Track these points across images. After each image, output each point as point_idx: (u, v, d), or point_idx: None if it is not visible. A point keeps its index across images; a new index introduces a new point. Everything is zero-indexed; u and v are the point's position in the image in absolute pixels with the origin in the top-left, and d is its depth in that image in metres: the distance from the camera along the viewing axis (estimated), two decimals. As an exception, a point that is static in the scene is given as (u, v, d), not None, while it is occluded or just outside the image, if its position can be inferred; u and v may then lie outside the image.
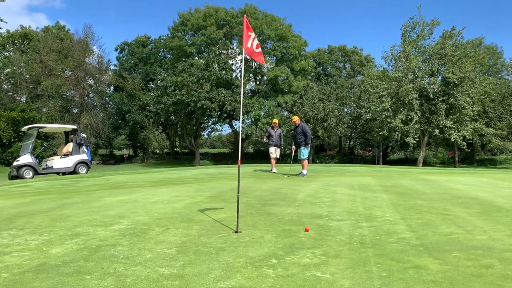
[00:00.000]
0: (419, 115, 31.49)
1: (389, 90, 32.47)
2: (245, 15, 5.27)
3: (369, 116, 34.26)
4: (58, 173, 17.54)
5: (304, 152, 11.54)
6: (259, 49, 5.32)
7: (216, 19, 44.03)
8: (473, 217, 5.14)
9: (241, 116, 5.22)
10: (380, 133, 33.30)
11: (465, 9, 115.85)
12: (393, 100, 32.50)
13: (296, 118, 12.04)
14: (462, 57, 30.67)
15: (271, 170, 13.19)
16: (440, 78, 32.49)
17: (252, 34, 5.17)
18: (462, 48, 31.02)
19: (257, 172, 13.72)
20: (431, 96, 30.93)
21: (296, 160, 12.64)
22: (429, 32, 31.98)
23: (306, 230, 3.72)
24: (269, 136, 12.92)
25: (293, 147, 12.16)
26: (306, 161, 11.72)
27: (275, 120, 13.49)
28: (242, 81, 5.58)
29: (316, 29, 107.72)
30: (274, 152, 12.92)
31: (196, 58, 45.81)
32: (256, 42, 5.28)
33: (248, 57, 5.23)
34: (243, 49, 5.05)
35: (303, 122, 12.18)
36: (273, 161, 13.13)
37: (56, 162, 17.71)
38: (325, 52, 54.62)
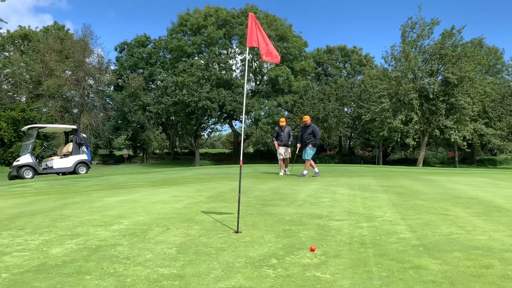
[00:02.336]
0: (419, 115, 31.47)
1: (389, 90, 32.45)
2: (251, 13, 5.20)
3: (369, 117, 34.21)
4: (58, 173, 17.55)
5: (309, 152, 11.32)
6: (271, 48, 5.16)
7: (217, 18, 44.05)
8: (473, 217, 5.14)
9: (244, 116, 5.19)
10: (380, 133, 33.28)
11: (465, 9, 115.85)
12: (393, 100, 32.48)
13: (307, 118, 11.70)
14: (462, 57, 30.65)
15: (281, 172, 12.35)
16: (440, 78, 32.48)
17: (263, 33, 5.02)
18: (461, 48, 30.99)
19: (257, 172, 13.71)
20: (431, 96, 30.92)
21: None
22: (429, 32, 31.99)
23: (312, 250, 3.62)
24: (277, 136, 12.17)
25: (298, 144, 11.89)
26: (309, 161, 11.49)
27: (283, 119, 12.62)
28: (246, 77, 5.56)
29: (316, 30, 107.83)
30: (283, 153, 12.09)
31: (196, 58, 45.83)
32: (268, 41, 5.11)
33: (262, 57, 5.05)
34: (250, 44, 4.88)
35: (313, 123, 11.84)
36: (281, 162, 12.37)
37: (56, 162, 17.72)
38: (324, 53, 54.64)
